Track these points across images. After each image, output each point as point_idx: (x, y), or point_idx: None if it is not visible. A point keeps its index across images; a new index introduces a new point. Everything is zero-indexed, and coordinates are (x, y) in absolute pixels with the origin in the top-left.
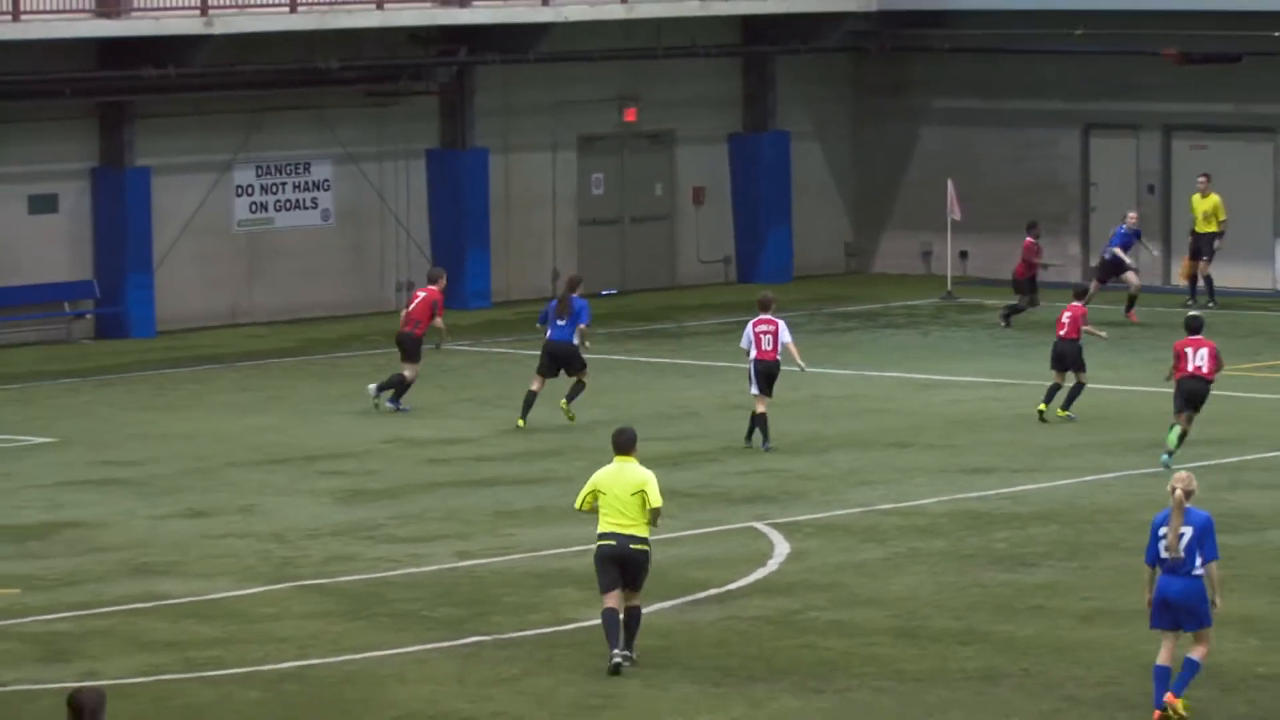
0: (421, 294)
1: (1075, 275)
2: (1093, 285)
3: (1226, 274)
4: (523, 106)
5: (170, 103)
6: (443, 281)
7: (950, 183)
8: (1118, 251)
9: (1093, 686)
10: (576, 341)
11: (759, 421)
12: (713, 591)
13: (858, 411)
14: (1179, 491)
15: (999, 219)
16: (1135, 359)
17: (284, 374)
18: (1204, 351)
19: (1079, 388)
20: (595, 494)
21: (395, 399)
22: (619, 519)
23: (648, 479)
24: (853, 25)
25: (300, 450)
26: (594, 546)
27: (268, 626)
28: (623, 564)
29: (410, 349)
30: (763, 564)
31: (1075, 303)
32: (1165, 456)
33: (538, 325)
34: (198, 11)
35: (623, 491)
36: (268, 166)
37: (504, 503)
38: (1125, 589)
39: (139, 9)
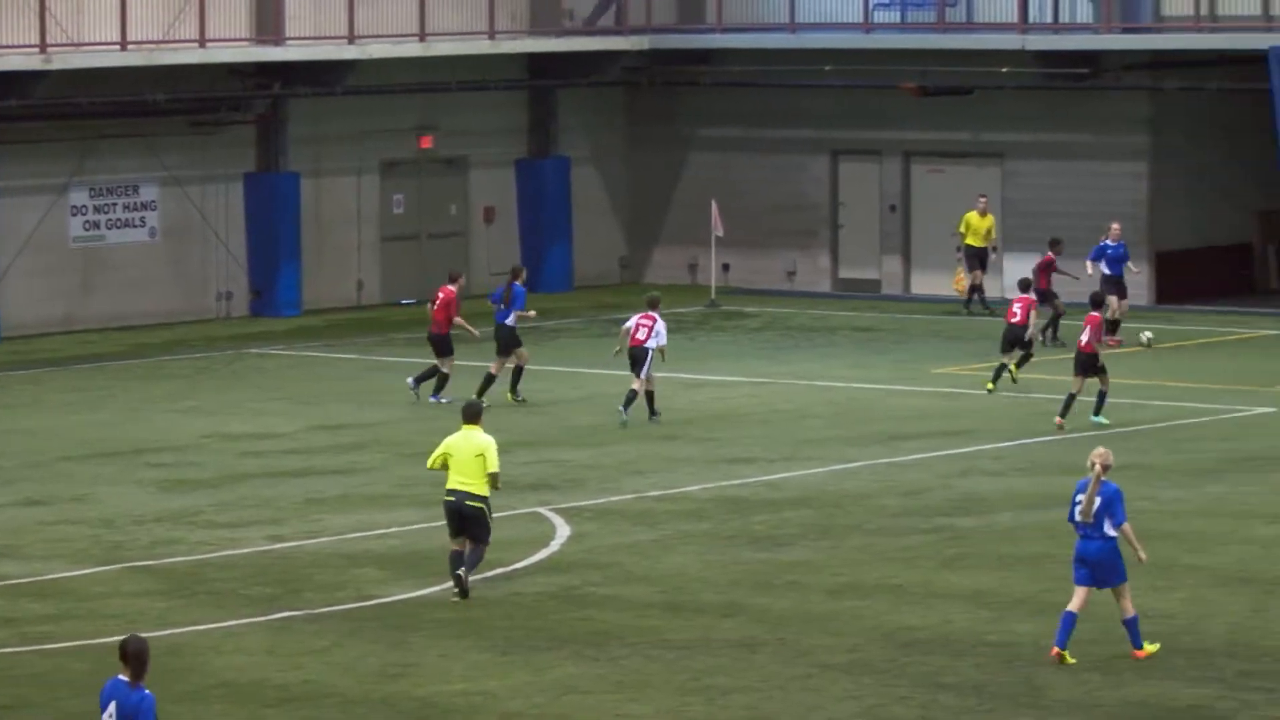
0: (441, 295)
1: (825, 287)
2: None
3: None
4: (331, 134)
5: (12, 131)
6: (461, 281)
7: (714, 203)
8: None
9: (842, 653)
10: (511, 323)
11: (631, 396)
12: (500, 570)
13: (632, 408)
14: (1098, 466)
15: (757, 235)
16: (880, 359)
17: (114, 376)
18: (1088, 328)
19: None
20: (446, 456)
21: (436, 393)
22: (462, 478)
23: (488, 445)
24: (627, 62)
25: (128, 444)
26: (405, 533)
27: (98, 604)
28: (461, 518)
29: (439, 346)
30: (546, 545)
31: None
32: (1095, 417)
33: (490, 302)
34: (37, 49)
35: (467, 454)
36: (100, 189)
37: (313, 491)
38: (870, 566)
39: None
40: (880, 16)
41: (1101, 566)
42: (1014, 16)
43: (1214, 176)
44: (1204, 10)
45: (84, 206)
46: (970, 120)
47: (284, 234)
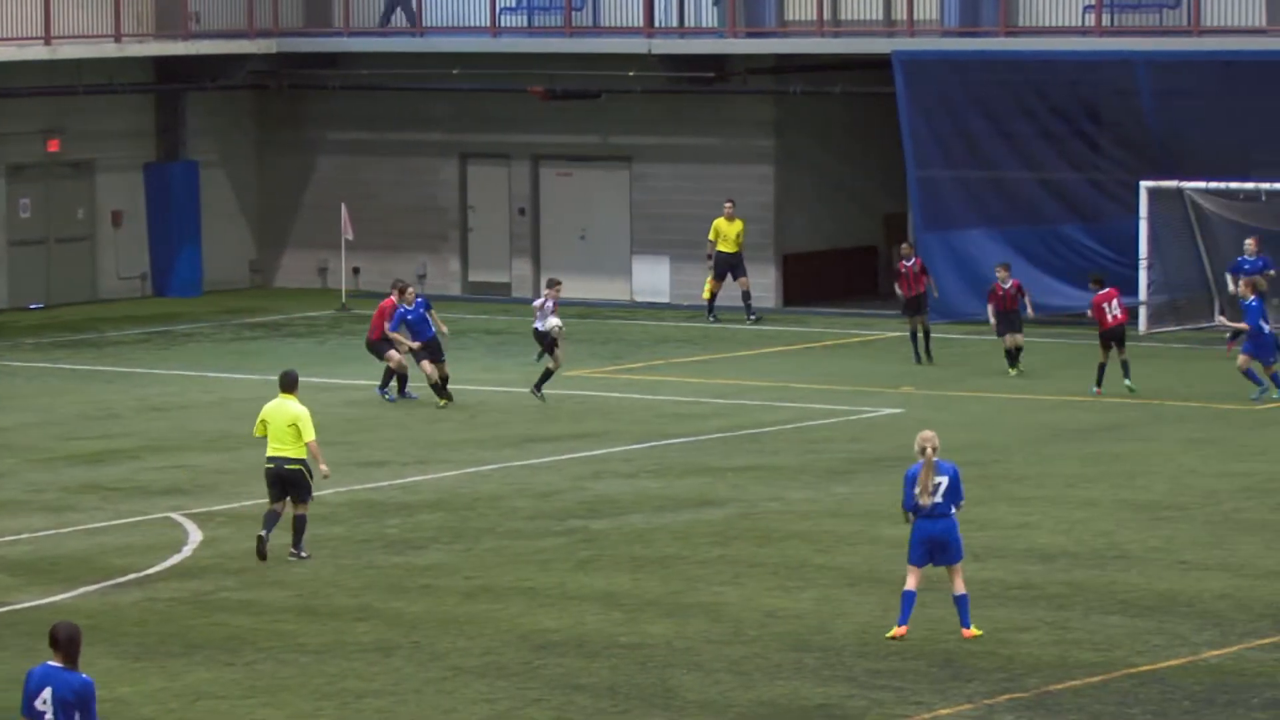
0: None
1: (455, 290)
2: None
3: (591, 288)
4: None
5: None
6: (396, 294)
7: (343, 206)
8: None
9: (476, 656)
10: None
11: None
12: (133, 576)
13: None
14: (929, 450)
15: (386, 238)
16: (509, 362)
17: None
18: (1116, 301)
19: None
20: (264, 423)
21: (382, 387)
22: (278, 444)
23: (300, 413)
24: (255, 65)
25: None
26: (36, 539)
27: None
28: (282, 482)
29: (372, 350)
30: (179, 550)
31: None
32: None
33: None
34: None
35: (281, 422)
36: None
37: None
38: (503, 568)
39: None
40: (507, 20)
41: (945, 546)
42: (640, 20)
43: (840, 179)
44: (827, 15)
45: None
46: (598, 124)
47: None
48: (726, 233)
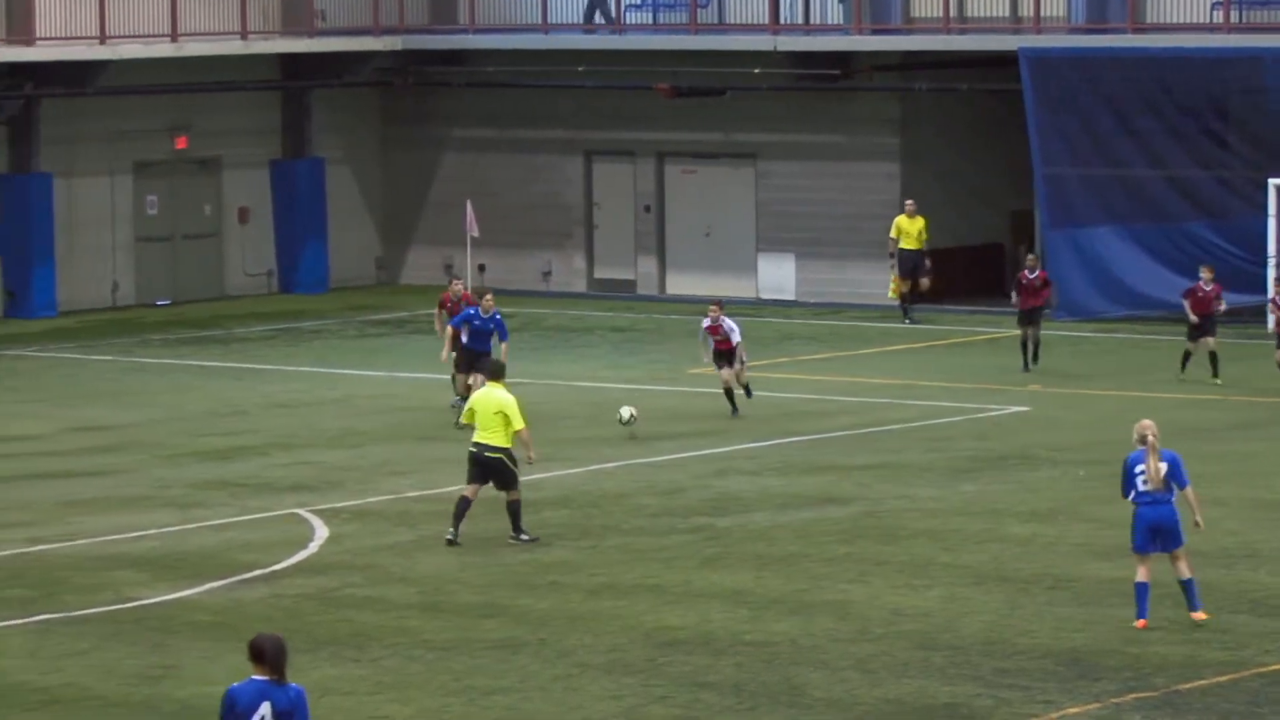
0: None
1: (581, 287)
2: None
3: (716, 285)
4: (84, 135)
5: None
6: (455, 285)
7: (468, 203)
8: None
9: (601, 653)
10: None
11: (728, 394)
12: (259, 572)
13: (389, 409)
14: (1150, 437)
15: (511, 235)
16: (636, 360)
17: None
18: None
19: None
20: (472, 411)
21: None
22: (484, 431)
23: (506, 401)
24: (380, 62)
25: None
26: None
27: None
28: (483, 467)
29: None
30: (304, 546)
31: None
32: None
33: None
34: None
35: (488, 409)
36: None
37: (71, 493)
38: (629, 565)
39: None
40: (632, 17)
41: (1170, 531)
42: (765, 18)
43: (966, 177)
44: (953, 12)
45: None
46: (723, 121)
47: (37, 235)
48: (909, 230)
